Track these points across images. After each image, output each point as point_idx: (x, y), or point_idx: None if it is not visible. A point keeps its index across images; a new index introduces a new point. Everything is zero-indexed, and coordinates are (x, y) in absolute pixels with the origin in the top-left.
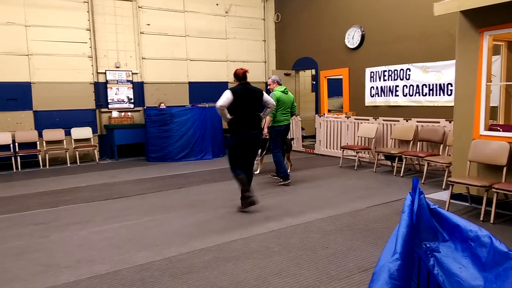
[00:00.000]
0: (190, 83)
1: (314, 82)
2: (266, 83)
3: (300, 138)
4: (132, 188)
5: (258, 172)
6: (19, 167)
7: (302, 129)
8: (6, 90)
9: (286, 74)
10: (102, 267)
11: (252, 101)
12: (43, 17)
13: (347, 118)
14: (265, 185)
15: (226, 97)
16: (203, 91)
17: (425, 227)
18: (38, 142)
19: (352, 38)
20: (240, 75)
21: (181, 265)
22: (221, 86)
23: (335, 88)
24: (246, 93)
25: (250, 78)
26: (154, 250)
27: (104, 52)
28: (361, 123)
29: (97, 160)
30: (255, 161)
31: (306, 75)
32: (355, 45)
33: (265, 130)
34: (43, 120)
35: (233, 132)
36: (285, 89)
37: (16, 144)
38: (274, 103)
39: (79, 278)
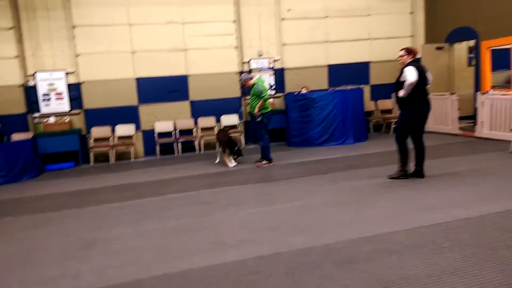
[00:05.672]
0: (329, 66)
1: (472, 55)
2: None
3: (455, 120)
4: (278, 173)
5: (218, 161)
6: (180, 151)
7: (458, 109)
8: (168, 83)
9: (438, 48)
10: (264, 248)
11: (425, 77)
12: (196, 13)
13: None
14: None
15: (415, 72)
16: (342, 73)
17: None
18: (194, 129)
19: None
20: (417, 53)
21: (342, 253)
22: (362, 67)
23: (496, 60)
24: (422, 70)
25: (393, 55)
26: (311, 235)
27: (248, 42)
28: None
29: (243, 145)
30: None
31: (461, 48)
32: None
33: (257, 110)
34: (198, 109)
35: (412, 106)
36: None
37: (177, 131)
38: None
39: (245, 257)
